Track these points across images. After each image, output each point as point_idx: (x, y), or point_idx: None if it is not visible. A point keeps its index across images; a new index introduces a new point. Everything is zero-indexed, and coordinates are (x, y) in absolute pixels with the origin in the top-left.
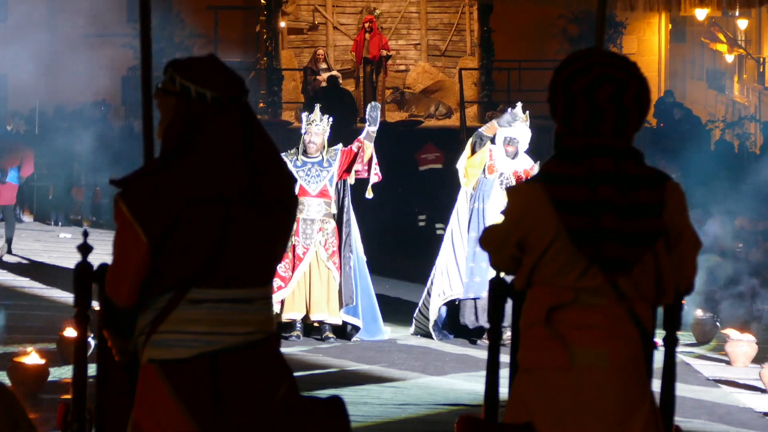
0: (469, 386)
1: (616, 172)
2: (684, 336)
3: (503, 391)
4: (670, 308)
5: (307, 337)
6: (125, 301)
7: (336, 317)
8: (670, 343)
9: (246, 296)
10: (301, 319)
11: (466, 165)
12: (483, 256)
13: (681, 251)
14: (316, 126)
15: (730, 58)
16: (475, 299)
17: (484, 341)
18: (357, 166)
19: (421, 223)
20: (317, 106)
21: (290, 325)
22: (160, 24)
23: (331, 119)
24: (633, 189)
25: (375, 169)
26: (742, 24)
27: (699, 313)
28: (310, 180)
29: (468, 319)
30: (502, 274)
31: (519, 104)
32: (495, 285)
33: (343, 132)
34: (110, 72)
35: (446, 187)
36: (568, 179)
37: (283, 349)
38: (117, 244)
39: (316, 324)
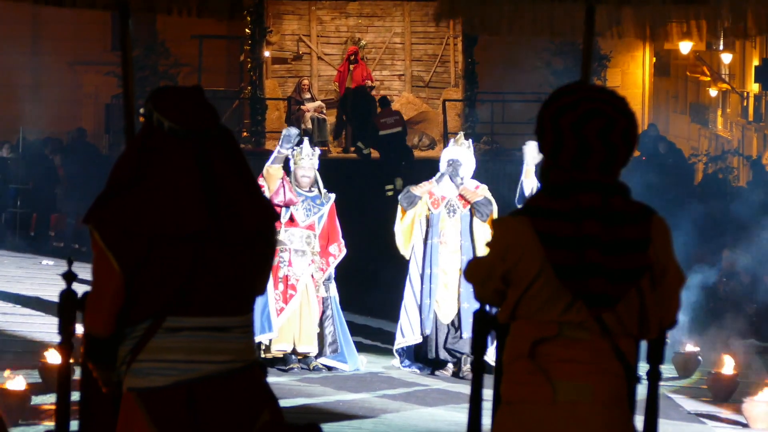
0: (451, 418)
1: (603, 208)
2: (666, 369)
3: (485, 422)
4: (653, 342)
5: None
6: (103, 330)
7: (314, 347)
8: (654, 377)
9: (223, 325)
10: (291, 351)
11: (402, 229)
12: (438, 293)
13: (665, 286)
14: (309, 160)
15: (713, 92)
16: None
17: (444, 372)
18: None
19: (389, 193)
20: (306, 140)
21: (284, 358)
22: (144, 52)
23: (319, 151)
24: (619, 224)
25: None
26: (726, 58)
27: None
28: (301, 211)
29: (426, 351)
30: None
31: (461, 133)
32: (478, 318)
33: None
34: (94, 99)
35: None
36: (554, 214)
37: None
38: (94, 272)
39: (300, 356)
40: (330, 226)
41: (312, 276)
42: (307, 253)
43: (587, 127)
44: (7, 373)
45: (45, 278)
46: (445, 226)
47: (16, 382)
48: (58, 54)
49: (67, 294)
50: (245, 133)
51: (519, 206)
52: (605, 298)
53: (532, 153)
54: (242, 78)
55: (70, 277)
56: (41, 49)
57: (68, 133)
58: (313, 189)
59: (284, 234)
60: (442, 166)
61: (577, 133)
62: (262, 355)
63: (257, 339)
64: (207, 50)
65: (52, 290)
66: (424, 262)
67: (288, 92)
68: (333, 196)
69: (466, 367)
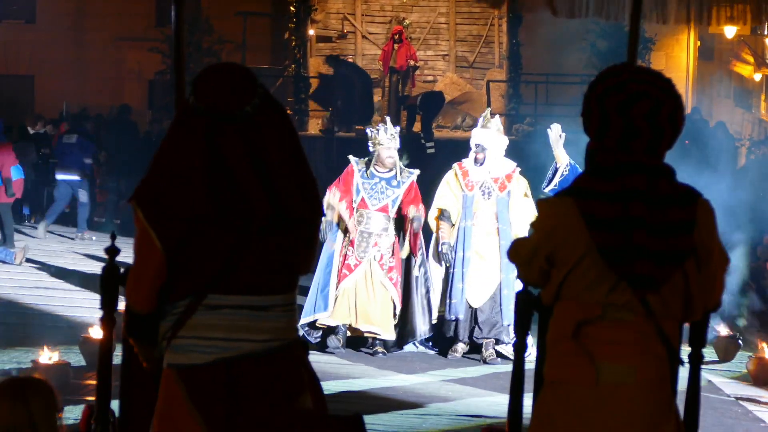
0: (492, 398)
1: (649, 190)
2: (706, 353)
3: (527, 403)
4: (696, 325)
5: (350, 348)
6: (143, 306)
7: (389, 333)
8: (696, 360)
9: (263, 303)
10: (347, 328)
11: (442, 204)
12: (470, 276)
13: (710, 269)
14: (391, 140)
15: (757, 76)
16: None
17: (454, 355)
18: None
19: (431, 150)
20: (388, 119)
21: (333, 334)
22: (188, 29)
23: (398, 128)
24: (665, 207)
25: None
26: None
27: (721, 330)
28: (373, 195)
29: (445, 331)
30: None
31: (488, 109)
32: (521, 298)
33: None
34: (137, 75)
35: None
36: (600, 195)
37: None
38: (136, 249)
39: (360, 335)
40: (408, 201)
41: (377, 258)
42: (373, 235)
43: (634, 109)
44: (47, 348)
45: (85, 253)
46: (479, 208)
47: (56, 357)
48: (101, 30)
49: (110, 269)
50: (289, 111)
51: (545, 190)
52: (650, 280)
53: (554, 135)
54: (286, 56)
55: (112, 251)
56: (84, 25)
57: (110, 107)
58: (392, 169)
59: (355, 215)
60: (472, 148)
61: (623, 115)
62: (319, 324)
63: (313, 317)
64: (251, 27)
65: (92, 265)
66: (456, 246)
67: (332, 71)
68: (416, 171)
69: (488, 352)
